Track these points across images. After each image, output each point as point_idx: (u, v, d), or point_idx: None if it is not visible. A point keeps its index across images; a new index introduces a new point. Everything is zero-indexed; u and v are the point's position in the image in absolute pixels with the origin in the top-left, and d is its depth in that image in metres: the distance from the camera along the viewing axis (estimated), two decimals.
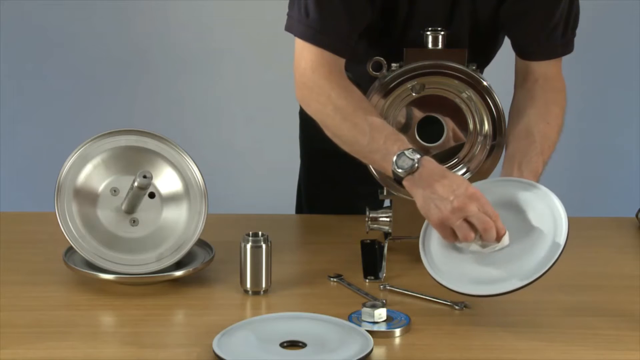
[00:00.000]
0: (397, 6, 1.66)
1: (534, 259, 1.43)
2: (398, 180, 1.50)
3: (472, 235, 1.44)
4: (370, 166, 1.62)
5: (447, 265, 1.48)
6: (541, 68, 1.71)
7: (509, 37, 1.75)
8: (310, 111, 1.65)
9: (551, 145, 1.65)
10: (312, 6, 1.60)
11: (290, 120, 2.03)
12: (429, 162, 1.49)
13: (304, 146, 2.07)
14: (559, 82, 1.73)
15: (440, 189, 1.45)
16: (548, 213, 1.48)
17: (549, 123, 1.66)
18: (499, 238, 1.45)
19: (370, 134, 1.54)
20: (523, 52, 1.72)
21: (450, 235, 1.46)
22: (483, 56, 1.80)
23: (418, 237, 1.52)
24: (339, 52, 1.62)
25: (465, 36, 1.70)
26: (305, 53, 1.63)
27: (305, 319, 1.42)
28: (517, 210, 1.50)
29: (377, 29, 1.68)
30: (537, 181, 1.57)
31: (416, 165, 1.48)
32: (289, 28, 1.65)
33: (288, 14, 1.65)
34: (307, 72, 1.62)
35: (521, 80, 1.73)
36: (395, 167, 1.49)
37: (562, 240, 1.43)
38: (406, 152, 1.49)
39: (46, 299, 1.53)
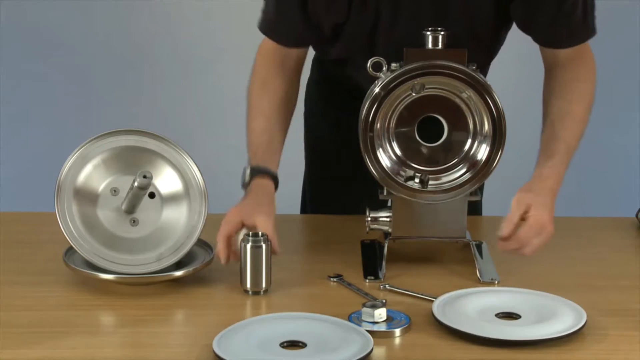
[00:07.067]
0: (379, 4, 1.67)
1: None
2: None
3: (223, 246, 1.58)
4: (371, 167, 1.62)
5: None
6: (567, 53, 1.74)
7: (528, 33, 1.74)
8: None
9: (576, 119, 1.72)
10: (271, 1, 1.75)
11: (293, 120, 2.02)
12: (256, 186, 1.68)
13: (308, 147, 2.07)
14: (585, 58, 1.75)
15: (235, 208, 1.62)
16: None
17: (571, 101, 1.72)
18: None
19: (250, 135, 1.82)
20: (546, 43, 1.75)
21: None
22: (484, 56, 1.79)
23: (418, 237, 1.51)
24: (285, 44, 1.78)
25: (464, 35, 1.69)
26: (262, 41, 1.81)
27: (305, 319, 1.42)
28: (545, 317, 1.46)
29: (366, 26, 1.69)
30: (554, 156, 1.66)
31: (247, 181, 1.70)
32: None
33: None
34: (257, 55, 1.82)
35: (548, 66, 1.77)
36: (242, 176, 1.72)
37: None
38: (249, 168, 1.71)
39: (46, 299, 1.53)
